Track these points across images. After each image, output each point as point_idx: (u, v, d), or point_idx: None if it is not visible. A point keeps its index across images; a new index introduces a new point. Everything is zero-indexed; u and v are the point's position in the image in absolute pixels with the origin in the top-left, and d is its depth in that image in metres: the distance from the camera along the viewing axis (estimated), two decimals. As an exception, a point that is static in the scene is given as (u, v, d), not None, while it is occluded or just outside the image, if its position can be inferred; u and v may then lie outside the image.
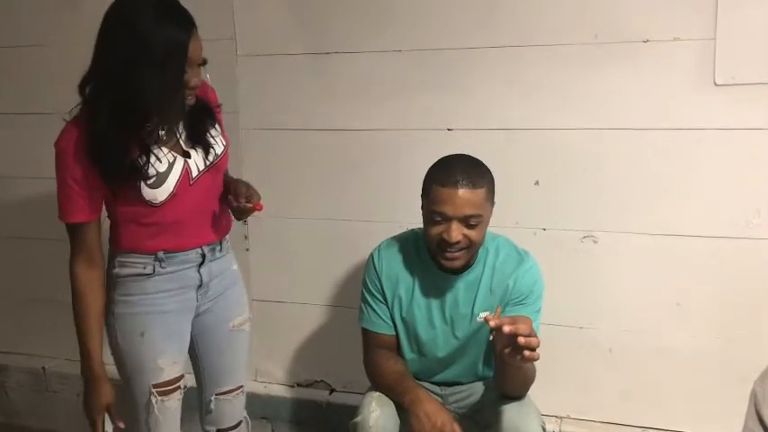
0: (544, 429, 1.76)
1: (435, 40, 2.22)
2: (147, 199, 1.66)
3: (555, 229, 2.21)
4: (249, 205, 1.74)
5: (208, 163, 1.76)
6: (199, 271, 1.79)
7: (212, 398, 1.92)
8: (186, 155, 1.73)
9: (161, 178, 1.67)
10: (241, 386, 1.97)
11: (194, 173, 1.73)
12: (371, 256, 1.95)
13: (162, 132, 1.69)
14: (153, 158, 1.66)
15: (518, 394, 1.80)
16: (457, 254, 1.76)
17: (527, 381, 1.78)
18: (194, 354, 1.90)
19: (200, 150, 1.75)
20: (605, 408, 2.26)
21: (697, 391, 2.14)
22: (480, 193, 1.75)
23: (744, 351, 2.05)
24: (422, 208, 1.84)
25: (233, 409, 1.96)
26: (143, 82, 1.55)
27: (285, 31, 2.38)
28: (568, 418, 2.30)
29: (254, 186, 1.80)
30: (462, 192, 1.72)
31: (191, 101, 1.68)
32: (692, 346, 2.14)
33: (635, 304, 2.18)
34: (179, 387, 1.81)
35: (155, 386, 1.76)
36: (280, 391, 2.59)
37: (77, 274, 1.71)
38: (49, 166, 1.70)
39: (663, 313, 2.16)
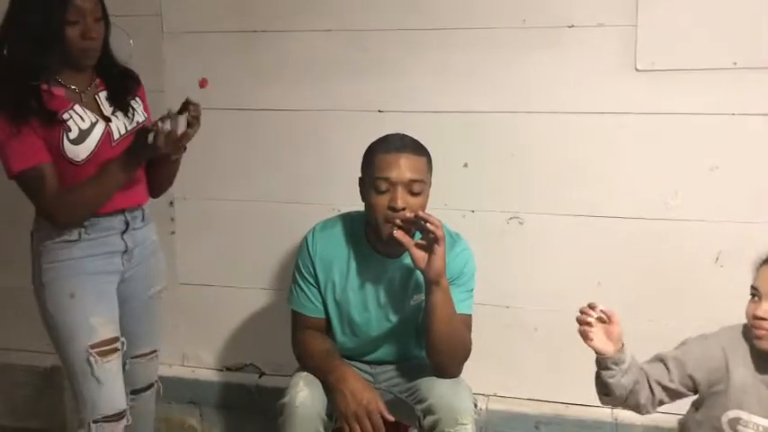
0: (476, 406, 1.79)
1: (366, 22, 2.22)
2: (69, 156, 1.71)
3: (483, 210, 2.25)
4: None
5: (129, 127, 1.81)
6: (123, 237, 1.84)
7: (128, 360, 1.94)
8: (107, 119, 1.79)
9: (83, 135, 1.72)
10: (155, 350, 2.03)
11: (116, 135, 1.79)
12: (305, 238, 1.94)
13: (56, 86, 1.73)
14: (75, 116, 1.72)
15: (449, 362, 1.82)
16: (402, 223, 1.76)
17: (453, 338, 1.79)
18: None
19: (120, 115, 1.81)
20: (531, 385, 2.32)
21: (617, 366, 2.21)
22: (422, 160, 1.80)
23: (663, 329, 2.13)
24: (362, 184, 1.85)
25: (146, 372, 2.02)
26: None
27: (213, 7, 2.33)
28: (495, 395, 2.35)
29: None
30: (406, 156, 1.76)
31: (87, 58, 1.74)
32: (613, 323, 2.21)
33: (559, 284, 2.24)
34: (116, 349, 1.81)
35: (92, 347, 1.76)
36: (208, 375, 2.56)
37: (57, 197, 1.71)
38: None
39: (585, 292, 2.19)
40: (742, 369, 1.61)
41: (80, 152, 1.72)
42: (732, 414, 1.62)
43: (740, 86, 2.02)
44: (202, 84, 1.71)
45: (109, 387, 1.79)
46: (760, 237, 2.04)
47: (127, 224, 1.84)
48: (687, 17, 2.03)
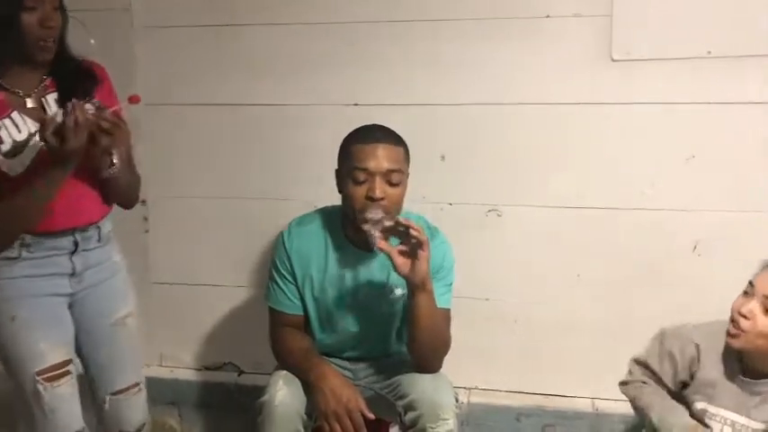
0: (457, 400, 1.79)
1: (341, 14, 2.19)
2: (4, 169, 1.58)
3: (461, 203, 2.24)
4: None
5: None
6: (71, 259, 1.70)
7: (107, 397, 1.82)
8: None
9: (17, 147, 1.59)
10: (137, 383, 1.88)
11: None
12: (281, 234, 1.91)
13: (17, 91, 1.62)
14: (11, 126, 1.59)
15: (430, 359, 1.82)
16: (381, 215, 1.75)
17: (436, 337, 1.79)
18: (77, 348, 1.79)
19: None
20: (512, 377, 2.32)
21: (598, 358, 2.22)
22: (400, 150, 1.78)
23: (641, 319, 2.13)
24: (338, 175, 1.83)
25: (131, 410, 1.87)
26: None
27: (185, 1, 2.29)
28: (476, 389, 2.35)
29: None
30: (383, 146, 1.75)
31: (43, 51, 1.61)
32: (593, 315, 2.22)
33: (538, 276, 2.24)
34: (68, 372, 1.70)
35: (38, 373, 1.66)
36: (186, 375, 2.53)
37: None
38: None
39: (564, 284, 2.23)
40: (713, 364, 1.64)
41: (14, 165, 1.58)
42: (700, 405, 1.65)
43: (715, 75, 2.02)
44: (133, 99, 1.59)
45: (65, 410, 1.69)
46: (737, 226, 2.06)
47: (76, 245, 1.69)
48: (661, 7, 2.02)
